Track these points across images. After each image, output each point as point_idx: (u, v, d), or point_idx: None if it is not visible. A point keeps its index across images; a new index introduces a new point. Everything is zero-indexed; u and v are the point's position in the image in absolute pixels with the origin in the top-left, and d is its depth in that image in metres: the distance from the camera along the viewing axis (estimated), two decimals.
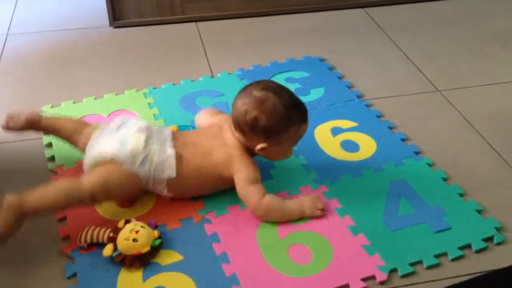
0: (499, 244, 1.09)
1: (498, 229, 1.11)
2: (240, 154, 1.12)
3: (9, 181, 1.23)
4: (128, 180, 1.07)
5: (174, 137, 1.14)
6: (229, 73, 1.61)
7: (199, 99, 1.49)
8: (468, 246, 1.08)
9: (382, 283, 1.01)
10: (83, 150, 1.13)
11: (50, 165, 1.27)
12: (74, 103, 1.48)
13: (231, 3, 1.91)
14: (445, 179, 1.24)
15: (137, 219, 1.09)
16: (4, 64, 1.68)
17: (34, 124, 1.18)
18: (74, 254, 1.05)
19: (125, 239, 1.02)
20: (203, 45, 1.78)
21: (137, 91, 1.53)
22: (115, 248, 1.02)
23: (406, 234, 1.10)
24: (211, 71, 1.64)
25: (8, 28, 1.87)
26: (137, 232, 1.03)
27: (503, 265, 1.04)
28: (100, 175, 1.05)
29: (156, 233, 1.06)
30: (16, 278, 1.02)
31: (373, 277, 1.02)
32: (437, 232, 1.10)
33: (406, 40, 1.80)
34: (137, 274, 1.01)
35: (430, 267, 1.04)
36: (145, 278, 1.01)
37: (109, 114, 1.43)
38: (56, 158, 1.28)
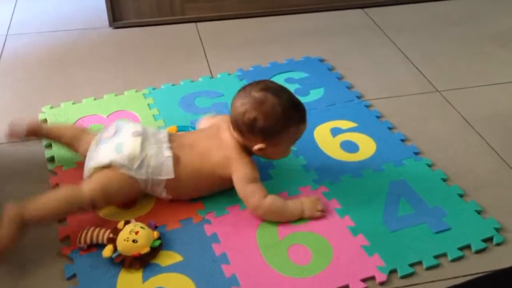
0: (498, 244, 1.09)
1: (497, 230, 1.11)
2: (238, 153, 1.12)
3: (9, 182, 1.23)
4: (126, 184, 1.08)
5: (171, 139, 1.14)
6: (229, 74, 1.61)
7: (199, 99, 1.49)
8: (468, 247, 1.08)
9: (381, 283, 1.01)
10: (83, 156, 1.15)
11: (50, 166, 1.26)
12: (73, 103, 1.48)
13: (231, 4, 1.91)
14: (444, 180, 1.24)
15: (137, 220, 1.09)
16: (4, 65, 1.68)
17: (35, 133, 1.23)
18: (73, 255, 1.05)
19: (124, 240, 1.02)
20: (203, 46, 1.78)
21: (136, 91, 1.53)
22: (115, 249, 1.02)
23: (405, 234, 1.10)
24: (210, 71, 1.64)
25: (8, 29, 1.87)
26: (136, 233, 1.03)
27: (503, 265, 1.04)
28: (99, 181, 1.06)
29: (155, 234, 1.06)
30: (16, 279, 1.02)
31: (372, 278, 1.02)
32: (437, 232, 1.10)
33: (405, 40, 1.80)
34: (137, 275, 1.01)
35: (429, 268, 1.04)
36: (145, 279, 1.01)
37: (109, 115, 1.43)
38: (55, 158, 1.28)
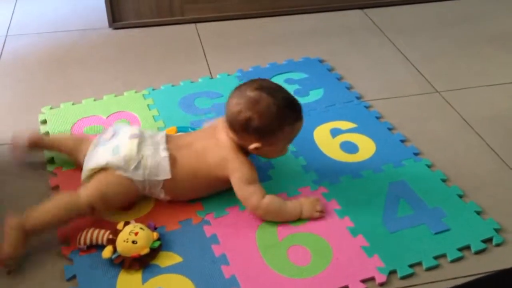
0: (498, 245, 1.09)
1: (497, 231, 1.11)
2: (234, 154, 1.11)
3: (9, 182, 1.23)
4: (124, 187, 1.08)
5: (168, 140, 1.14)
6: (228, 74, 1.61)
7: (198, 100, 1.49)
8: (467, 248, 1.08)
9: (381, 284, 1.01)
10: (83, 162, 1.15)
11: (50, 167, 1.26)
12: (73, 104, 1.48)
13: (230, 4, 1.91)
14: (444, 180, 1.24)
15: (136, 221, 1.09)
16: (3, 66, 1.68)
17: (37, 145, 1.25)
18: (73, 256, 1.05)
19: (124, 241, 1.02)
20: (202, 46, 1.78)
21: (136, 92, 1.53)
22: (115, 250, 1.02)
23: (405, 235, 1.10)
24: (210, 72, 1.64)
25: (7, 30, 1.87)
26: (136, 234, 1.03)
27: (502, 266, 1.04)
28: (97, 186, 1.07)
29: (155, 235, 1.06)
30: (16, 279, 1.02)
31: (372, 279, 1.02)
32: (436, 233, 1.10)
33: (405, 41, 1.80)
34: (137, 276, 1.01)
35: (429, 269, 1.04)
36: (144, 280, 1.01)
37: (108, 116, 1.43)
38: (55, 160, 1.28)
